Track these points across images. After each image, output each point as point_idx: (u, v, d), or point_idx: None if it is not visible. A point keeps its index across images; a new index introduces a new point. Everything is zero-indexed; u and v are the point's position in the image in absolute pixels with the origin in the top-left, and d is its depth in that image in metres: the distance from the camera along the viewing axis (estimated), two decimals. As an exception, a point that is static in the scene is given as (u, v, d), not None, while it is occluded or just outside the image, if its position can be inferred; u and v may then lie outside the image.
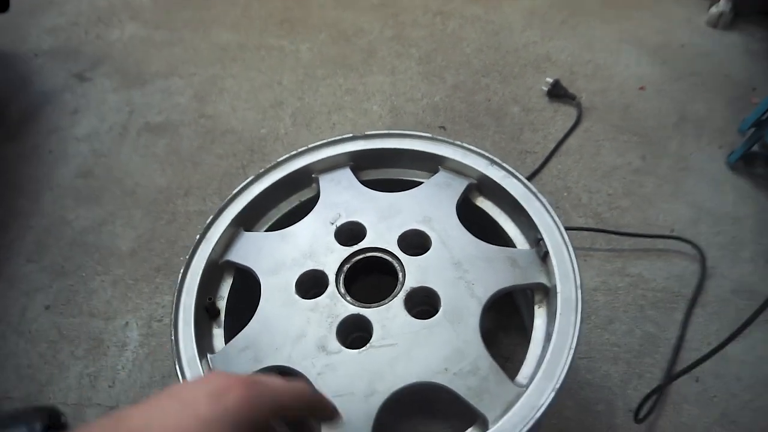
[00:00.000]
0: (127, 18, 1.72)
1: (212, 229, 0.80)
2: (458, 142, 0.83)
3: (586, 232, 1.04)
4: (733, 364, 0.88)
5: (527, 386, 0.62)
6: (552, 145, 1.20)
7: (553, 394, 0.60)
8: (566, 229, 0.72)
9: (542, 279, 0.71)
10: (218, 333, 0.74)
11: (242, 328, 0.71)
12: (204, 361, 0.68)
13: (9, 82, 1.57)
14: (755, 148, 1.10)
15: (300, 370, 0.65)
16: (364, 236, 0.76)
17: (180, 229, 1.17)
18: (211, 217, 0.80)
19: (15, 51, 1.67)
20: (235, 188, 0.82)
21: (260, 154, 1.27)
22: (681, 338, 0.91)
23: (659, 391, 0.80)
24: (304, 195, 0.86)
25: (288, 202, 0.86)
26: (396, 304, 0.68)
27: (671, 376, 0.84)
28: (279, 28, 1.60)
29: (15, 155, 1.37)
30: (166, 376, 0.97)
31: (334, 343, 0.66)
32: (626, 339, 0.92)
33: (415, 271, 0.71)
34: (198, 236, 0.78)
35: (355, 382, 0.63)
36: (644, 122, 1.24)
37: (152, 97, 1.46)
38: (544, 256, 0.72)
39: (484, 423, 0.61)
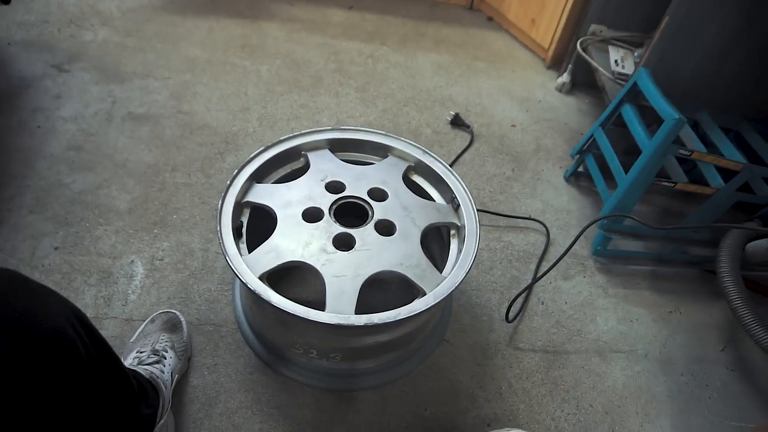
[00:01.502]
0: (98, 23, 1.96)
1: (236, 180, 1.13)
2: (403, 138, 1.26)
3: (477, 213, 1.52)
4: (563, 293, 1.39)
5: (447, 275, 1.04)
6: (453, 157, 1.69)
7: (462, 276, 1.03)
8: (470, 193, 1.17)
9: (455, 220, 1.15)
10: (243, 246, 1.08)
11: (257, 245, 1.06)
12: (242, 258, 1.02)
13: (-16, 64, 1.73)
14: (581, 169, 1.67)
15: (310, 263, 1.01)
16: (344, 190, 1.15)
17: (171, 195, 1.45)
18: (235, 171, 1.14)
19: (-15, 38, 1.83)
20: (227, 168, 1.16)
21: (234, 145, 1.60)
22: (533, 278, 1.40)
23: (516, 298, 1.27)
24: (295, 165, 1.24)
25: (284, 168, 1.23)
26: (369, 228, 1.08)
27: (526, 289, 1.32)
28: (240, 50, 1.96)
29: (2, 127, 1.55)
30: (171, 297, 1.24)
31: (331, 248, 1.04)
32: (501, 279, 1.39)
33: (379, 210, 1.11)
34: (228, 182, 1.11)
35: (346, 269, 1.01)
36: (514, 147, 1.78)
37: (132, 92, 1.72)
38: (456, 208, 1.17)
39: (423, 293, 1.02)
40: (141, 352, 1.04)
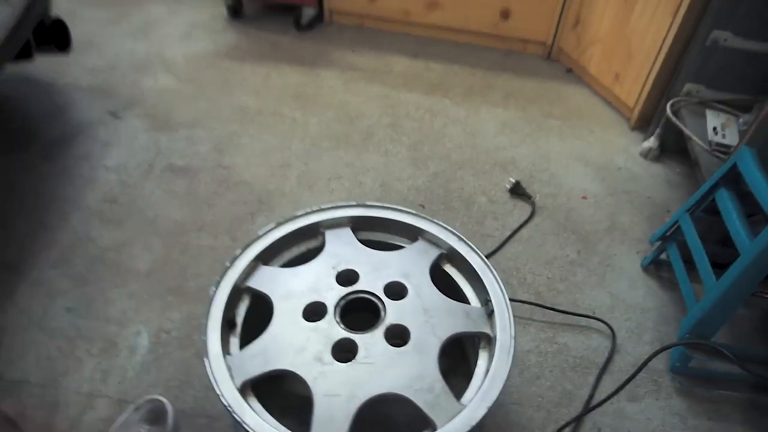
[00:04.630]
0: (161, 70, 1.98)
1: (238, 261, 1.01)
2: (436, 221, 1.08)
3: (527, 305, 1.30)
4: (628, 419, 1.12)
5: (467, 405, 0.84)
6: (508, 233, 1.48)
7: (485, 411, 0.82)
8: (511, 300, 0.97)
9: (487, 329, 0.95)
10: (234, 341, 0.94)
11: (252, 340, 0.92)
12: (226, 359, 0.88)
13: (47, 108, 1.78)
14: (663, 256, 1.40)
15: (300, 374, 0.86)
16: (357, 281, 0.99)
17: (191, 259, 1.36)
18: (239, 250, 1.02)
19: (55, 82, 1.89)
20: (255, 231, 1.04)
21: (267, 206, 1.50)
22: (591, 396, 1.15)
23: (566, 426, 1.03)
24: (311, 244, 1.10)
25: (298, 247, 1.09)
26: (377, 334, 0.91)
27: (577, 418, 1.07)
28: (293, 100, 1.88)
29: (48, 174, 1.56)
30: (170, 379, 1.13)
31: (328, 357, 0.88)
32: (549, 393, 1.15)
33: (394, 312, 0.94)
34: (227, 264, 0.99)
35: (341, 387, 0.84)
36: (582, 225, 1.53)
37: (177, 142, 1.69)
38: (490, 314, 0.97)
39: (433, 428, 0.82)
40: (113, 451, 0.93)
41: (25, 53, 1.49)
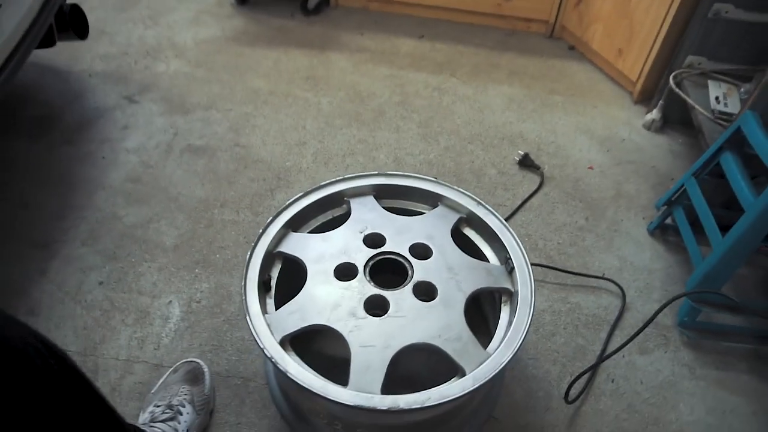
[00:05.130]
0: (172, 55, 2.01)
1: (269, 228, 1.06)
2: (455, 186, 1.14)
3: (540, 268, 1.35)
4: (639, 371, 1.19)
5: (493, 353, 0.90)
6: (519, 202, 1.53)
7: (510, 356, 0.88)
8: (526, 261, 1.02)
9: (508, 285, 1.00)
10: (270, 302, 0.99)
11: (287, 300, 0.97)
12: (265, 317, 0.93)
13: (65, 94, 1.82)
14: (668, 221, 1.45)
15: (336, 328, 0.91)
16: (384, 244, 1.04)
17: (216, 233, 1.42)
18: (269, 218, 1.07)
19: (70, 69, 1.93)
20: (275, 206, 1.09)
21: (285, 182, 1.55)
22: (603, 350, 1.21)
23: (581, 375, 1.09)
24: (337, 212, 1.15)
25: (324, 215, 1.14)
26: (407, 290, 0.96)
27: (591, 368, 1.14)
28: (304, 82, 1.92)
29: (71, 157, 1.60)
30: (203, 344, 1.19)
31: (362, 312, 0.93)
32: (563, 348, 1.22)
33: (420, 270, 0.99)
34: (260, 231, 1.04)
35: (375, 338, 0.90)
36: (590, 193, 1.59)
37: (194, 124, 1.73)
38: (510, 271, 1.02)
39: (462, 373, 0.88)
40: (157, 406, 0.99)
41: (48, 41, 1.53)
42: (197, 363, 1.10)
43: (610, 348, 1.20)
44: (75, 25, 1.62)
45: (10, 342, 0.58)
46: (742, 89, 1.55)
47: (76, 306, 1.25)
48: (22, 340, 0.60)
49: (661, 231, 1.48)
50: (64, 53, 1.96)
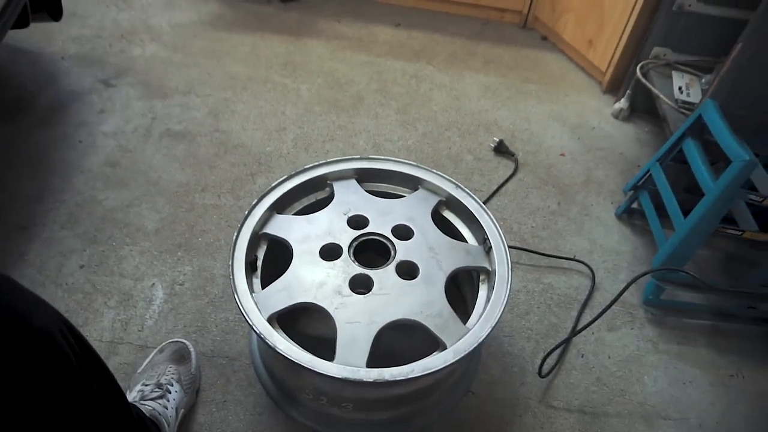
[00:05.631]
0: (148, 39, 1.99)
1: (255, 210, 1.08)
2: (435, 171, 1.18)
3: (514, 250, 1.41)
4: (607, 346, 1.26)
5: (472, 327, 0.95)
6: (494, 187, 1.59)
7: (489, 331, 0.93)
8: (503, 241, 1.07)
9: (486, 264, 1.05)
10: (256, 281, 1.02)
11: (272, 280, 1.00)
12: (252, 295, 0.96)
13: (38, 77, 1.79)
14: (635, 205, 1.53)
15: (323, 306, 0.95)
16: (367, 225, 1.08)
17: (198, 217, 1.43)
18: (254, 201, 1.09)
19: (42, 51, 1.89)
20: (257, 190, 1.11)
21: (266, 166, 1.57)
22: (574, 327, 1.28)
23: (553, 350, 1.15)
24: (320, 195, 1.18)
25: (308, 198, 1.17)
26: (390, 269, 1.00)
27: (563, 343, 1.20)
28: (283, 68, 1.93)
29: (47, 140, 1.58)
30: (188, 326, 1.21)
31: (347, 290, 0.97)
32: (537, 326, 1.28)
33: (402, 250, 1.03)
34: (246, 213, 1.07)
35: (360, 315, 0.94)
36: (561, 179, 1.65)
37: (172, 108, 1.73)
38: (488, 251, 1.07)
39: (444, 347, 0.92)
40: (146, 385, 1.00)
41: (22, 21, 1.50)
42: (183, 343, 1.12)
43: (581, 325, 1.26)
44: (49, 5, 1.60)
45: (42, 327, 0.61)
46: (703, 80, 1.63)
47: (57, 289, 1.25)
48: (52, 324, 0.63)
49: (628, 215, 1.55)
50: (35, 35, 1.91)
